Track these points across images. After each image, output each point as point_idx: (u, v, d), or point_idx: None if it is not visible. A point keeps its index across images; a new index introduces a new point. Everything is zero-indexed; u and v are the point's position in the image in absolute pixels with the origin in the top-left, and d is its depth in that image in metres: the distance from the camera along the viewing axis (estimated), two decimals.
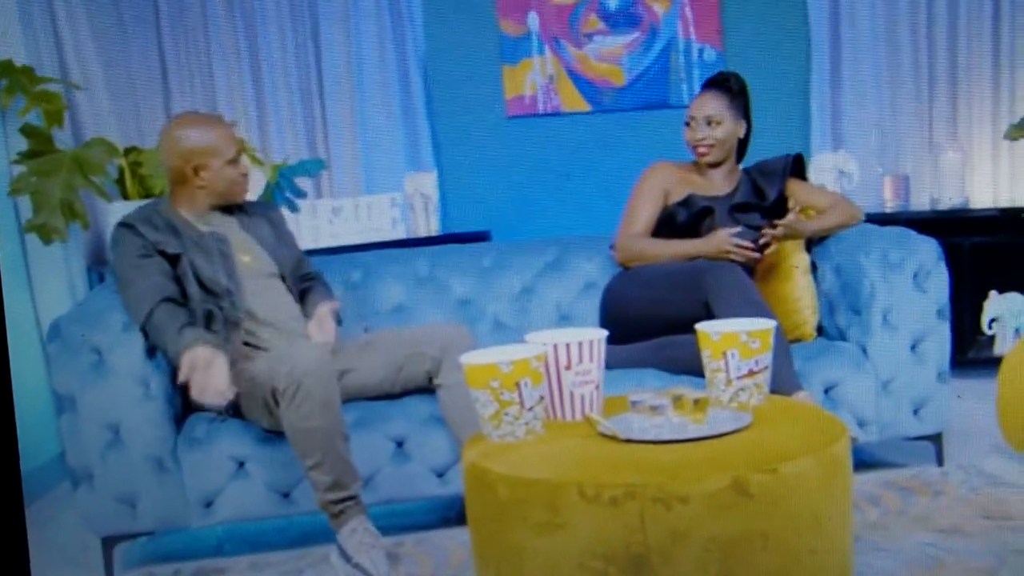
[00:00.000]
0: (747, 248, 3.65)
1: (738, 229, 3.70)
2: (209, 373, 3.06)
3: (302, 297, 3.51)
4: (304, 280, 3.56)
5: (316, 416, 3.00)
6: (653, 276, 3.69)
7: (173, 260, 3.27)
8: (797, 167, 3.92)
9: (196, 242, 3.31)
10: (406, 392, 3.38)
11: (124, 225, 3.30)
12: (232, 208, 3.47)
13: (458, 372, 3.11)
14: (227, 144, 3.36)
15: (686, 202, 3.79)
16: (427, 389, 3.35)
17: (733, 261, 3.62)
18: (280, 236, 3.55)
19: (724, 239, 3.66)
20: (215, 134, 3.36)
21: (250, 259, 3.40)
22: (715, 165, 3.84)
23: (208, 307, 3.26)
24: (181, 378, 3.08)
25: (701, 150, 3.81)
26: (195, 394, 3.08)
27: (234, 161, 3.38)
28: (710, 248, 3.67)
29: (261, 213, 3.57)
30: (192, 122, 3.41)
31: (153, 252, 3.25)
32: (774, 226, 3.72)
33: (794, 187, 3.88)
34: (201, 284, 3.26)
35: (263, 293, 3.38)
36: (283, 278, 3.46)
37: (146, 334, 3.21)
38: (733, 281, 3.46)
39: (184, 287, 3.26)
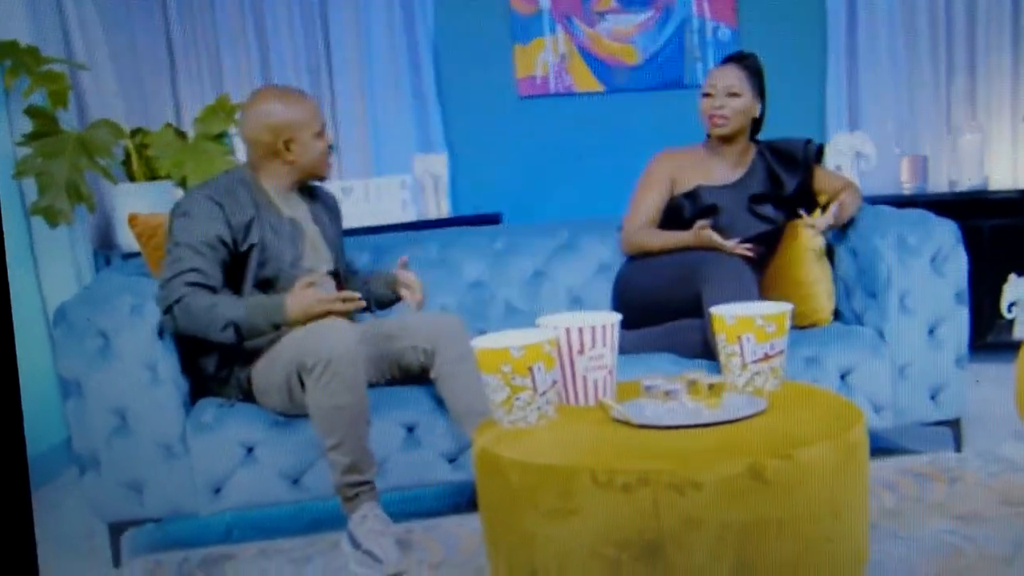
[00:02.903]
0: (730, 245, 3.61)
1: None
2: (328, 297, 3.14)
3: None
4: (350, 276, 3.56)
5: (343, 395, 2.99)
6: (659, 264, 3.69)
7: (246, 250, 3.22)
8: (816, 156, 3.87)
9: (273, 226, 3.28)
10: (408, 380, 3.36)
11: (210, 200, 3.21)
12: (304, 191, 3.43)
13: (452, 364, 3.18)
14: (315, 117, 3.34)
15: (693, 195, 3.76)
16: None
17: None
18: (338, 229, 3.54)
19: (706, 237, 3.61)
20: (303, 107, 3.32)
21: (314, 254, 3.37)
22: (728, 141, 3.78)
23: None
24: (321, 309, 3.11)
25: (717, 120, 3.75)
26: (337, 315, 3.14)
27: (321, 134, 3.35)
28: (696, 242, 3.63)
29: (325, 201, 3.54)
30: (280, 95, 3.35)
31: (224, 241, 3.18)
32: (789, 216, 3.76)
33: (813, 175, 3.83)
34: (260, 274, 3.24)
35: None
36: (336, 274, 3.43)
37: (169, 314, 3.15)
38: (726, 272, 3.45)
39: (240, 280, 3.23)
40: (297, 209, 3.38)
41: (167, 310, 3.14)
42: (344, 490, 3.06)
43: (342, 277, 3.46)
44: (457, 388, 3.19)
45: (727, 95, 3.74)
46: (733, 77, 3.74)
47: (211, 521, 3.52)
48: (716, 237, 3.60)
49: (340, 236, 3.54)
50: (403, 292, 3.42)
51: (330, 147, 3.40)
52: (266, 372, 3.19)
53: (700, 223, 3.63)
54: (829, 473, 2.18)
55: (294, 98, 3.34)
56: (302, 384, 3.07)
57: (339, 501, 3.09)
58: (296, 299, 3.12)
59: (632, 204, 3.84)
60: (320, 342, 3.01)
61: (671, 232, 3.72)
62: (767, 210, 3.75)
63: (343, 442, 3.02)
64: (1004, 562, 2.73)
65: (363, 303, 3.17)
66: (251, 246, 3.23)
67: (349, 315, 3.30)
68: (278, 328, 3.14)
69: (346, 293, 3.17)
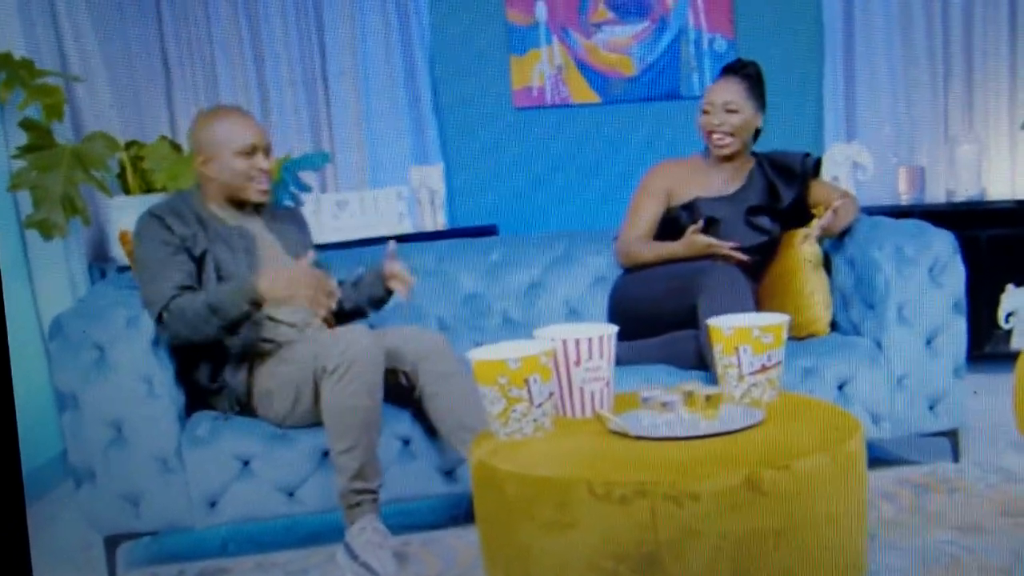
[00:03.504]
0: (726, 247, 3.60)
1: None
2: (305, 281, 3.11)
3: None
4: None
5: (361, 396, 3.00)
6: (655, 276, 3.68)
7: (199, 259, 3.24)
8: (814, 169, 3.86)
9: (222, 236, 3.28)
10: (398, 395, 3.34)
11: (153, 216, 3.27)
12: (259, 208, 3.42)
13: (436, 383, 3.18)
14: (237, 134, 3.28)
15: (690, 207, 3.75)
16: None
17: (730, 261, 3.59)
18: (305, 241, 3.52)
19: (701, 243, 3.61)
20: (225, 124, 3.30)
21: (272, 261, 3.34)
22: (729, 157, 3.77)
23: None
24: (284, 294, 3.10)
25: (717, 138, 3.72)
26: (312, 304, 3.12)
27: (246, 153, 3.29)
28: (689, 251, 3.63)
29: (288, 217, 3.55)
30: (207, 114, 3.37)
31: (180, 249, 3.22)
32: (785, 228, 3.76)
33: (809, 188, 3.82)
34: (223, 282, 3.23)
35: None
36: None
37: (163, 325, 3.16)
38: (721, 282, 3.44)
39: (205, 286, 3.23)
40: (246, 221, 3.38)
41: (159, 321, 3.15)
42: (348, 496, 3.05)
43: None
44: (442, 406, 3.18)
45: (725, 112, 3.71)
46: (731, 92, 3.71)
47: (207, 535, 3.51)
48: (709, 239, 3.59)
49: (307, 248, 3.45)
50: (393, 285, 3.41)
51: (262, 170, 3.33)
52: (273, 375, 3.19)
53: (692, 228, 3.62)
54: (827, 484, 2.18)
55: (219, 116, 3.34)
56: (315, 391, 3.08)
57: (341, 509, 3.08)
58: (270, 274, 3.12)
59: (628, 216, 3.83)
60: (343, 345, 3.02)
61: (664, 243, 3.71)
62: (764, 222, 3.74)
63: (355, 446, 3.02)
64: (1003, 573, 2.73)
65: (334, 299, 3.16)
66: (203, 255, 3.23)
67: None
68: (257, 306, 3.12)
69: (327, 285, 3.14)
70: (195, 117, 3.40)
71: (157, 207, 3.31)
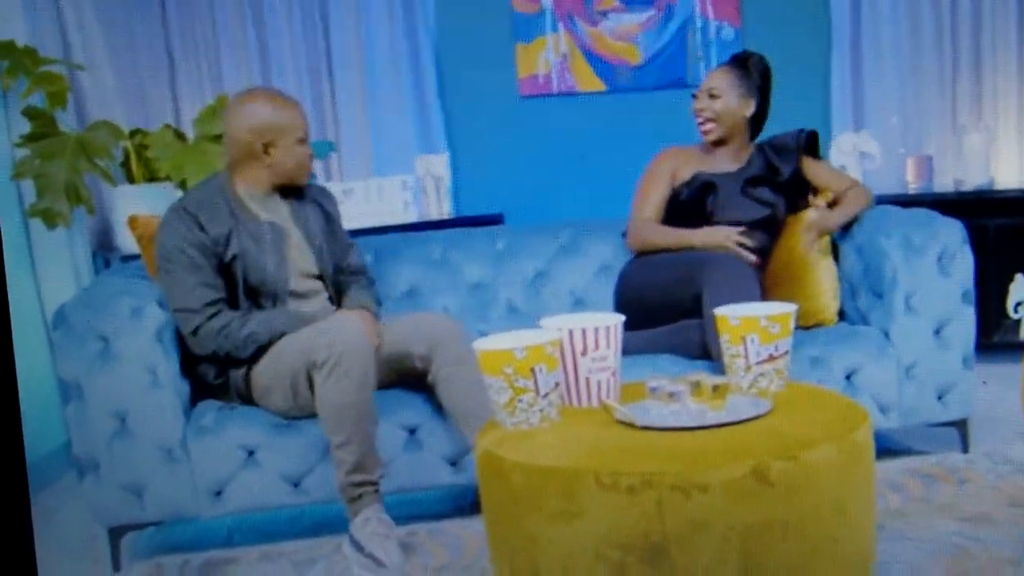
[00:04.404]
0: (746, 248, 3.59)
1: (741, 229, 3.65)
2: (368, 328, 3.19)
3: (340, 292, 3.48)
4: (343, 273, 3.51)
5: (352, 392, 2.97)
6: (662, 263, 3.68)
7: (229, 261, 3.21)
8: (811, 145, 3.86)
9: (252, 233, 3.25)
10: (407, 383, 3.33)
11: (186, 212, 3.22)
12: (288, 192, 3.41)
13: (450, 367, 3.16)
14: (299, 123, 3.31)
15: (691, 181, 3.77)
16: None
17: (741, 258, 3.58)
18: (332, 230, 3.49)
19: (725, 236, 3.61)
20: (288, 112, 3.30)
21: (299, 257, 3.34)
22: (720, 143, 3.78)
23: (248, 305, 3.24)
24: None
25: (699, 121, 3.81)
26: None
27: (303, 140, 3.33)
28: (710, 241, 3.63)
29: (317, 201, 3.50)
30: (267, 98, 3.33)
31: (211, 253, 3.18)
32: (788, 205, 3.78)
33: (809, 166, 3.83)
34: (246, 283, 3.23)
35: (300, 292, 3.34)
36: (321, 277, 3.40)
37: (196, 338, 3.18)
38: (728, 272, 3.43)
39: (231, 289, 3.23)
40: (277, 212, 3.36)
41: (193, 333, 3.17)
42: (348, 490, 3.04)
43: (327, 280, 3.42)
44: (455, 391, 3.16)
45: (708, 97, 3.78)
46: (716, 79, 3.79)
47: (212, 525, 3.51)
48: (729, 231, 3.60)
49: (332, 235, 3.49)
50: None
51: (311, 155, 3.38)
52: (269, 372, 3.18)
53: (734, 230, 3.63)
54: (834, 474, 2.16)
55: (280, 102, 3.32)
56: (310, 383, 3.06)
57: (343, 502, 3.07)
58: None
59: (636, 200, 3.85)
60: (332, 338, 3.00)
61: (679, 230, 3.71)
62: (764, 194, 3.75)
63: (350, 440, 3.00)
64: (1012, 564, 2.71)
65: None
66: (233, 257, 3.21)
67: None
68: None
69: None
70: (245, 100, 3.33)
71: (189, 202, 3.26)
